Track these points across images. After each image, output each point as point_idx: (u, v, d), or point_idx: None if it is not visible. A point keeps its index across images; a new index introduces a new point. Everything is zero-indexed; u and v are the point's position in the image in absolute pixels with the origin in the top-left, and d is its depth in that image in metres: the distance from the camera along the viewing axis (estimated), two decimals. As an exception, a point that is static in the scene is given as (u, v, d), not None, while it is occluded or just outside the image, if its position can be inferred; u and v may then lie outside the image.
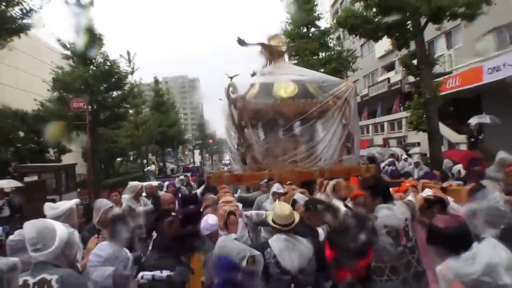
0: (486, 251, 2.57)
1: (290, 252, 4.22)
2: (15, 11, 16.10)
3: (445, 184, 6.95)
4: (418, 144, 27.19)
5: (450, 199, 5.59)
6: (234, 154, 12.04)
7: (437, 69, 26.88)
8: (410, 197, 5.61)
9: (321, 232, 5.10)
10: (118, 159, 47.54)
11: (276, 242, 4.38)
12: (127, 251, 4.25)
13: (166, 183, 13.31)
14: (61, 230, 3.32)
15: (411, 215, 4.76)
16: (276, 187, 7.41)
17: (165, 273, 3.22)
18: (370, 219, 4.40)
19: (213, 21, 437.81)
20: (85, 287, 3.42)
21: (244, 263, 3.45)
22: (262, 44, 12.55)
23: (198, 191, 10.08)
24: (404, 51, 17.75)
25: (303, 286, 3.98)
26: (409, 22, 15.62)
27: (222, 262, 3.51)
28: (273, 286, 4.16)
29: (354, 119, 11.68)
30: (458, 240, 3.75)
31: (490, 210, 3.44)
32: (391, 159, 17.90)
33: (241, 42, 12.15)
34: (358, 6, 16.61)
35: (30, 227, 3.27)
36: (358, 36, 18.33)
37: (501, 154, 8.71)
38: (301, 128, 11.45)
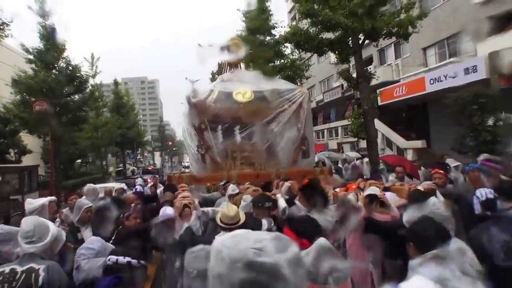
0: None
1: None
2: None
3: (388, 184, 7.88)
4: None
5: (393, 195, 6.37)
6: (194, 156, 12.23)
7: (386, 77, 28.58)
8: (350, 195, 6.08)
9: (265, 222, 5.36)
10: (78, 160, 47.37)
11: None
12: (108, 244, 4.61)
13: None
14: (53, 227, 3.70)
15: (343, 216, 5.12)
16: (231, 189, 7.64)
17: (127, 259, 3.35)
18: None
19: (172, 23, 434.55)
20: (65, 277, 3.64)
21: None
22: (222, 48, 13.10)
23: (159, 190, 10.71)
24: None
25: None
26: (350, 38, 16.82)
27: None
28: None
29: (308, 123, 12.19)
30: (387, 231, 4.96)
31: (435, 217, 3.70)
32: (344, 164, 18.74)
33: (201, 48, 12.74)
34: (305, 22, 17.70)
35: (28, 222, 3.63)
36: (304, 51, 19.72)
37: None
38: (258, 131, 11.89)
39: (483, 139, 14.86)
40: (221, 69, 13.87)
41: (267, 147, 11.86)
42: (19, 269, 3.30)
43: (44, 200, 5.99)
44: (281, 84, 13.24)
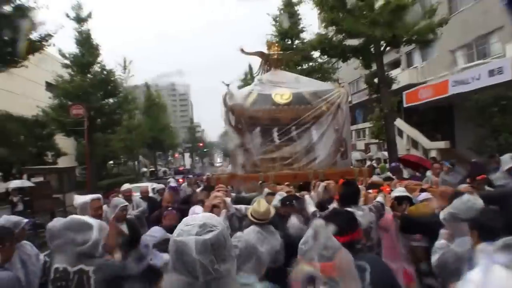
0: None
1: (261, 243, 4.35)
2: (34, 35, 17.96)
3: (425, 186, 7.58)
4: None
5: (428, 196, 6.19)
6: (233, 158, 12.37)
7: (412, 79, 28.89)
8: (379, 198, 6.03)
9: (293, 218, 5.53)
10: (111, 162, 48.40)
11: (250, 233, 4.73)
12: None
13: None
14: (96, 226, 3.65)
15: (376, 217, 5.27)
16: (267, 190, 7.68)
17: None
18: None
19: (203, 28, 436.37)
20: (115, 274, 3.63)
21: None
22: (261, 53, 13.05)
23: (198, 190, 10.54)
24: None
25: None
26: (372, 45, 17.43)
27: None
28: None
29: (346, 124, 11.92)
30: (426, 226, 4.96)
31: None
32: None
33: (242, 51, 12.70)
34: (331, 29, 18.38)
35: (73, 221, 3.65)
36: (329, 57, 20.41)
37: None
38: (296, 132, 11.57)
39: (504, 140, 15.14)
40: (261, 69, 13.56)
41: (306, 148, 11.58)
42: (70, 269, 3.41)
43: (86, 198, 6.07)
44: (319, 85, 13.30)
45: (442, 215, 4.29)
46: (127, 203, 6.98)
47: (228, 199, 6.54)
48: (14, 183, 17.50)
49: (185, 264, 1.86)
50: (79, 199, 6.17)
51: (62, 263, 3.46)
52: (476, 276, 2.28)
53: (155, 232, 4.93)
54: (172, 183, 14.55)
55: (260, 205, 5.11)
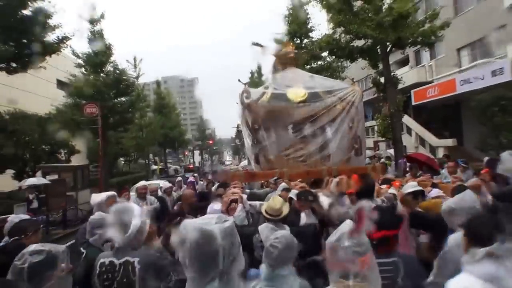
0: None
1: None
2: (53, 38, 18.59)
3: (436, 181, 7.92)
4: (405, 147, 28.01)
5: (439, 192, 6.48)
6: (249, 154, 12.54)
7: (420, 78, 29.18)
8: (392, 189, 6.41)
9: (303, 215, 5.73)
10: (121, 159, 48.90)
11: (264, 230, 4.92)
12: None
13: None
14: (136, 218, 3.66)
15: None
16: (283, 185, 7.91)
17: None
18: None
19: (211, 24, 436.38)
20: (162, 265, 3.72)
21: None
22: (275, 51, 13.21)
23: (214, 187, 10.85)
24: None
25: None
26: (378, 47, 17.86)
27: None
28: (255, 265, 4.37)
29: (361, 122, 12.05)
30: (435, 223, 4.90)
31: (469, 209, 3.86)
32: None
33: (257, 44, 12.99)
34: (339, 30, 18.92)
35: (111, 215, 3.66)
36: (336, 58, 20.83)
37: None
38: (311, 130, 11.47)
39: (505, 138, 15.59)
40: (275, 67, 13.41)
41: (320, 145, 11.56)
42: (116, 262, 3.51)
43: (102, 196, 6.40)
44: (334, 83, 13.32)
45: (443, 207, 4.33)
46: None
47: (244, 196, 6.73)
48: (30, 181, 18.01)
49: (207, 253, 2.06)
50: (96, 197, 6.51)
51: (108, 257, 3.59)
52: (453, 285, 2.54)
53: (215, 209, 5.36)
54: (191, 178, 14.99)
55: (275, 201, 5.25)
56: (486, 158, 11.50)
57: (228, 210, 6.27)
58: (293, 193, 6.70)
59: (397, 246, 3.67)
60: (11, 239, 4.57)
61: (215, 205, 6.54)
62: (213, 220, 2.15)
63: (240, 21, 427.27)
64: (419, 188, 6.01)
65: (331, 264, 2.52)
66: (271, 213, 5.12)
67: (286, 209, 5.28)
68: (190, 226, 2.10)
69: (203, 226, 2.10)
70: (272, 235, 3.56)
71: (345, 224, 2.61)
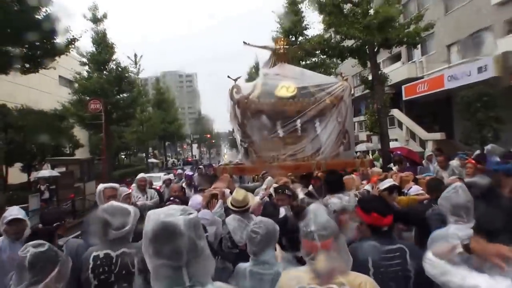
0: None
1: (242, 230, 4.76)
2: (63, 40, 19.55)
3: (418, 177, 7.76)
4: (396, 140, 28.44)
5: (419, 188, 6.51)
6: (239, 149, 12.63)
7: (410, 74, 30.19)
8: (367, 186, 6.56)
9: (282, 210, 5.47)
10: (122, 153, 49.96)
11: (231, 221, 5.03)
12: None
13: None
14: (133, 211, 3.66)
15: None
16: (269, 180, 7.60)
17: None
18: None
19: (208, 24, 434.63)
20: None
21: None
22: (266, 47, 13.51)
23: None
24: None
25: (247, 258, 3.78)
26: (366, 47, 18.85)
27: None
28: (223, 256, 4.69)
29: (349, 116, 12.18)
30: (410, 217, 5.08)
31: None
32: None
33: (245, 43, 13.23)
34: (330, 31, 20.22)
35: (109, 208, 3.60)
36: (328, 57, 22.04)
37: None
38: (301, 124, 11.65)
39: (487, 133, 16.74)
40: (270, 63, 13.48)
41: (309, 140, 11.79)
42: (113, 254, 3.42)
43: (99, 187, 6.30)
44: (323, 78, 13.67)
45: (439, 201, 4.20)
46: (129, 191, 7.64)
47: (228, 191, 6.75)
48: (42, 173, 18.98)
49: (172, 243, 1.94)
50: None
51: (101, 249, 3.47)
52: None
53: (205, 215, 5.28)
54: (188, 171, 15.53)
55: (238, 194, 5.31)
56: (476, 152, 12.12)
57: (209, 205, 6.17)
58: (273, 189, 6.62)
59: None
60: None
61: (197, 198, 6.68)
62: (177, 212, 2.04)
63: (240, 21, 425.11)
64: (394, 183, 6.13)
65: (302, 245, 2.74)
66: (236, 205, 5.20)
67: (251, 201, 5.47)
68: (154, 216, 2.02)
69: (166, 217, 2.00)
70: (251, 222, 3.83)
71: (312, 205, 2.93)
